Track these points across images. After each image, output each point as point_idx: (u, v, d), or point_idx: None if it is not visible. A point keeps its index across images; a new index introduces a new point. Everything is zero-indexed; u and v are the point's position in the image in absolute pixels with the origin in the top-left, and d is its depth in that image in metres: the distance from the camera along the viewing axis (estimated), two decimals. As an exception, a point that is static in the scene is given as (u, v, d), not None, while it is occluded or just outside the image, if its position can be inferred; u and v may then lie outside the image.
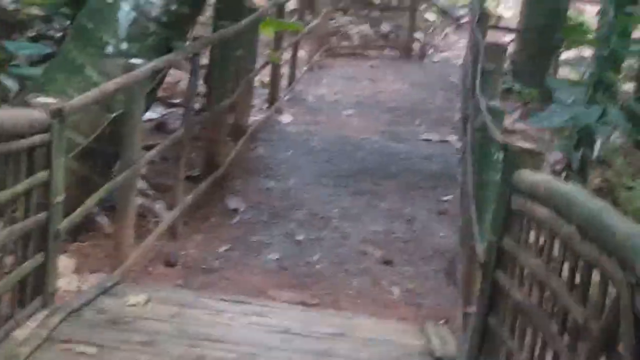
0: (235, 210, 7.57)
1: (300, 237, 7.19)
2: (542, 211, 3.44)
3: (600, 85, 9.45)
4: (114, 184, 5.40)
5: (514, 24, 15.19)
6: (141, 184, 7.30)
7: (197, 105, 8.18)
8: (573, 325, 2.80)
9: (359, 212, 7.84)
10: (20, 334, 3.83)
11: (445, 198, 8.37)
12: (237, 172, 8.36)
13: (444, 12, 18.69)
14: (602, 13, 9.92)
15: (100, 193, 5.24)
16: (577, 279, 2.88)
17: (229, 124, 8.59)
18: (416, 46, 16.05)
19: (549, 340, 3.12)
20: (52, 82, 6.13)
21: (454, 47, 16.98)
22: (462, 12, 18.57)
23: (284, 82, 11.52)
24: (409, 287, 6.54)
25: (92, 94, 4.65)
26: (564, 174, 8.08)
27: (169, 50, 6.09)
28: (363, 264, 6.85)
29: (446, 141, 10.47)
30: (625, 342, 2.08)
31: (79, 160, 5.79)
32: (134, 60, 5.49)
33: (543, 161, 4.26)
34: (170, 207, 6.96)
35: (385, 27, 16.58)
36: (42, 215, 4.17)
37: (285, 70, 11.48)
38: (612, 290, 2.32)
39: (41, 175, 4.11)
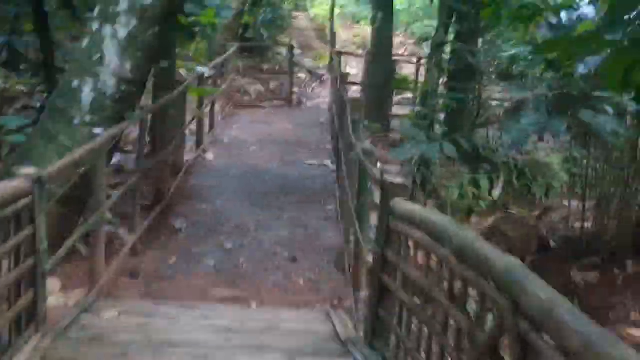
0: (180, 229, 7.08)
1: (229, 246, 6.75)
2: (418, 234, 3.19)
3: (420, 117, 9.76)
4: (88, 225, 4.84)
5: (358, 79, 15.07)
6: (108, 214, 6.77)
7: (145, 151, 7.71)
8: (456, 327, 2.58)
9: (270, 223, 7.45)
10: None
11: (328, 207, 8.06)
12: (178, 199, 7.87)
13: (310, 72, 18.70)
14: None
15: (78, 233, 4.70)
16: (456, 291, 2.64)
17: (169, 164, 8.05)
18: (294, 97, 15.80)
19: (434, 335, 2.85)
20: (35, 147, 5.58)
21: (320, 96, 16.97)
22: (322, 72, 18.77)
23: (206, 129, 11.03)
24: (311, 277, 6.22)
25: (64, 161, 4.15)
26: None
27: (122, 118, 5.54)
28: (276, 262, 6.48)
29: (324, 165, 10.17)
30: (511, 353, 1.96)
31: (58, 204, 5.18)
32: (96, 130, 5.01)
33: (409, 192, 3.95)
34: (130, 231, 6.45)
35: (272, 85, 16.42)
36: (30, 260, 3.64)
37: (206, 120, 10.98)
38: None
39: (27, 229, 3.59)
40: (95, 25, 5.48)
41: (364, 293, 5.17)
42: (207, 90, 9.90)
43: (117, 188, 7.71)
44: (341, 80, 11.24)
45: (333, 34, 20.13)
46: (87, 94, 5.42)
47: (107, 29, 5.40)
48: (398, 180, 3.94)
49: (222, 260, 6.41)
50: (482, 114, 12.29)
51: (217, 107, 12.27)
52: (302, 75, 18.03)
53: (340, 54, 15.30)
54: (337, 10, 20.81)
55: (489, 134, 12.84)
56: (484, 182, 11.43)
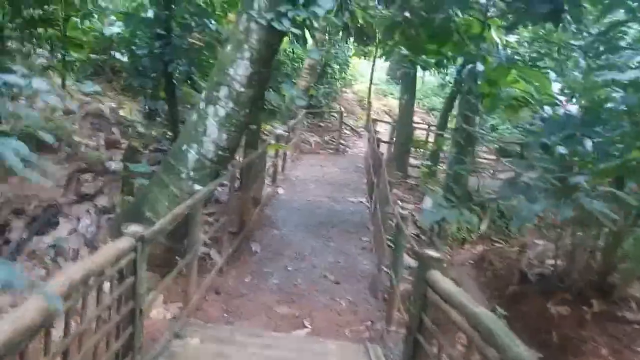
0: (255, 251, 6.32)
1: (290, 268, 5.96)
2: (454, 314, 2.48)
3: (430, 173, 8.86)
4: (184, 263, 4.12)
5: (384, 137, 14.24)
6: (203, 236, 6.08)
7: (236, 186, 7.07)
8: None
9: (321, 249, 6.64)
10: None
11: (364, 239, 7.21)
12: (256, 226, 7.14)
13: (352, 129, 17.92)
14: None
15: (177, 269, 3.98)
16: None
17: (252, 198, 7.33)
18: (341, 147, 14.96)
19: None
20: (152, 192, 4.95)
21: (357, 147, 16.10)
22: (361, 129, 18.03)
23: (279, 168, 10.35)
24: (350, 299, 5.37)
25: (166, 219, 3.39)
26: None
27: (218, 175, 4.84)
28: (325, 285, 5.64)
29: (361, 201, 9.33)
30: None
31: (165, 238, 4.51)
32: (196, 187, 4.28)
33: (443, 264, 3.12)
34: (219, 253, 5.73)
35: (326, 137, 15.63)
36: (131, 303, 2.93)
37: (279, 161, 10.29)
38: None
39: (129, 280, 2.87)
40: (202, 105, 4.82)
41: (393, 327, 4.36)
42: (281, 145, 9.19)
43: (212, 216, 7.08)
44: (376, 141, 10.47)
45: (369, 104, 19.34)
46: (192, 156, 4.75)
47: (210, 109, 4.72)
48: (434, 254, 3.11)
49: (284, 279, 5.61)
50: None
51: (288, 153, 11.61)
52: (347, 132, 17.24)
53: (375, 120, 14.46)
54: (372, 87, 20.02)
55: (479, 183, 11.84)
56: (475, 219, 10.50)
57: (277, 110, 5.21)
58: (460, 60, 12.17)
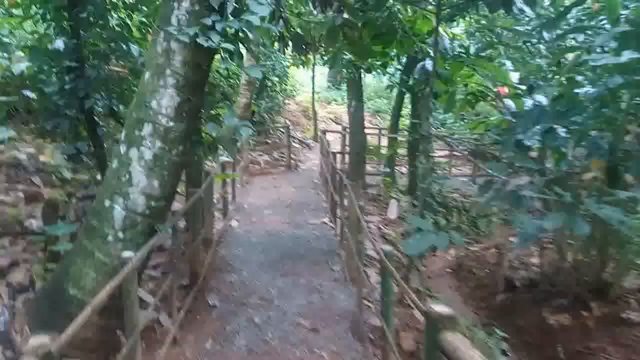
0: (214, 305, 5.40)
1: (257, 319, 5.08)
2: None
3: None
4: (127, 349, 3.19)
5: (335, 146, 13.60)
6: (148, 298, 5.12)
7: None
8: None
9: (290, 289, 5.81)
10: None
11: (335, 268, 6.44)
12: (211, 273, 6.22)
13: (301, 142, 17.21)
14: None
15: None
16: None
17: (202, 239, 6.40)
18: (292, 162, 14.14)
19: None
20: (74, 264, 3.96)
21: (310, 160, 15.47)
22: (309, 141, 17.38)
23: (229, 197, 9.45)
24: (333, 349, 4.55)
25: (81, 319, 2.44)
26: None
27: (154, 230, 3.91)
28: (300, 334, 4.81)
29: (324, 222, 8.58)
30: None
31: (96, 315, 3.57)
32: (125, 254, 3.35)
33: (457, 323, 2.41)
34: (170, 315, 4.78)
35: (275, 154, 14.81)
36: None
37: (229, 188, 9.39)
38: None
39: None
40: (122, 148, 3.90)
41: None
42: (228, 175, 8.31)
43: (158, 269, 6.11)
44: (330, 154, 9.78)
45: (314, 113, 18.70)
46: (118, 212, 3.82)
47: (134, 152, 3.81)
48: (446, 310, 2.39)
49: (253, 337, 4.71)
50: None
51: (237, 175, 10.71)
52: (296, 145, 16.48)
53: (324, 132, 13.77)
54: (315, 95, 19.41)
55: (442, 185, 11.41)
56: (442, 223, 10.02)
57: (219, 141, 4.45)
58: (404, 59, 11.77)
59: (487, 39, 9.78)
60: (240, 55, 4.08)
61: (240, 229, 8.11)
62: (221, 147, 4.90)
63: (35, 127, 8.13)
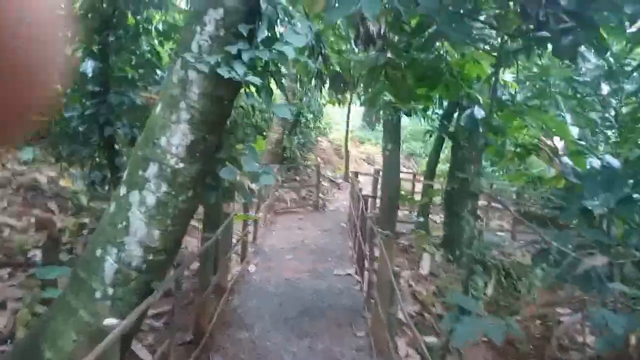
0: (218, 370, 4.70)
1: (265, 394, 4.35)
2: None
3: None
4: None
5: (366, 189, 12.87)
6: (146, 356, 4.48)
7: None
8: None
9: (305, 357, 5.04)
10: None
11: (359, 334, 5.64)
12: (219, 327, 5.51)
13: (331, 181, 16.60)
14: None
15: None
16: None
17: (214, 286, 5.73)
18: (320, 202, 13.47)
19: None
20: (54, 320, 3.34)
21: (338, 200, 14.71)
22: (340, 180, 16.78)
23: (250, 237, 8.84)
24: None
25: None
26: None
27: (150, 289, 3.27)
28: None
29: (349, 274, 7.81)
30: None
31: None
32: (108, 321, 2.72)
33: None
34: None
35: (303, 193, 14.18)
36: None
37: (250, 228, 8.79)
38: None
39: None
40: (122, 190, 3.33)
41: None
42: (250, 216, 7.70)
43: (162, 318, 5.47)
44: (360, 198, 9.10)
45: (347, 152, 18.14)
46: (110, 265, 3.22)
47: (134, 196, 3.24)
48: None
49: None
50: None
51: (260, 214, 10.09)
52: (325, 184, 15.86)
53: (356, 174, 13.10)
54: (349, 134, 18.92)
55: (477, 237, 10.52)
56: (480, 283, 9.13)
57: (236, 188, 3.90)
58: (445, 103, 11.11)
59: (538, 87, 9.06)
60: (270, 91, 3.52)
61: (258, 275, 7.41)
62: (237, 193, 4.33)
63: (53, 151, 7.78)
